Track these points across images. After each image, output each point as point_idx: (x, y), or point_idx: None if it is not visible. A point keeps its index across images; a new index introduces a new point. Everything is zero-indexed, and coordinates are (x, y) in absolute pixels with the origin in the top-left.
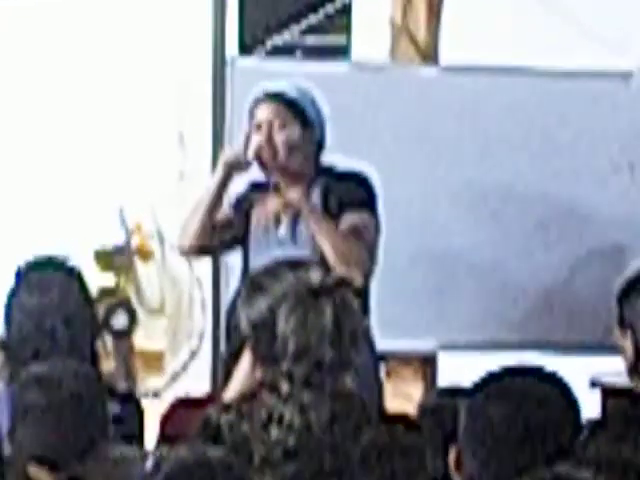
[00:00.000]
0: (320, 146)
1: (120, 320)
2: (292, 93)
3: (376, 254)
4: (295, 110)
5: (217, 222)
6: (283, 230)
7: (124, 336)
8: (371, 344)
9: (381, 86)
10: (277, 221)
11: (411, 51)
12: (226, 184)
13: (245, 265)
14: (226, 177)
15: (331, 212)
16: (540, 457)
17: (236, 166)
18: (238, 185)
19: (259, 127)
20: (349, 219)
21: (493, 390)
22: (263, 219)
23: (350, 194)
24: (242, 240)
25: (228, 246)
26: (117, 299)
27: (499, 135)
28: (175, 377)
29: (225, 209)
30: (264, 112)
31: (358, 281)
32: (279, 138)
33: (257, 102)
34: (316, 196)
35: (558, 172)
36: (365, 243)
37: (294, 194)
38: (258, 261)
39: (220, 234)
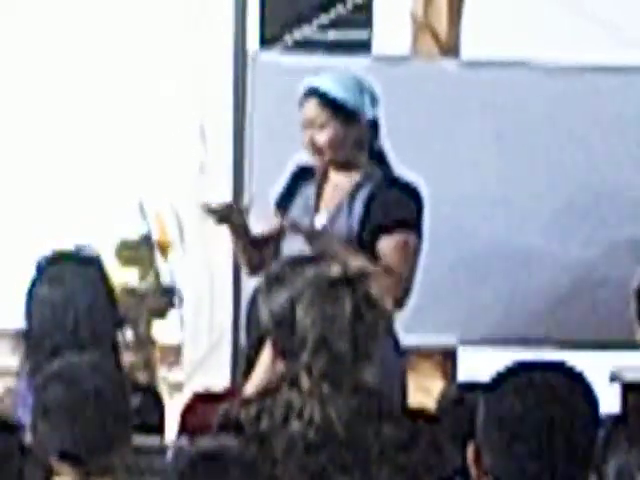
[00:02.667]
0: (375, 132)
1: None
2: (332, 88)
3: (414, 276)
4: (335, 107)
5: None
6: (322, 221)
7: None
8: (395, 339)
9: (402, 80)
10: (315, 210)
11: (432, 45)
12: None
13: (276, 250)
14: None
15: (369, 226)
16: (558, 452)
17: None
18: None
19: (305, 125)
20: (388, 242)
21: (511, 385)
22: (302, 207)
23: (390, 214)
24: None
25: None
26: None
27: (520, 129)
28: (195, 370)
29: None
30: (307, 110)
31: (398, 296)
32: (320, 138)
33: (303, 98)
34: (359, 204)
35: (580, 166)
36: (406, 264)
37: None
38: (294, 248)
39: (275, 243)
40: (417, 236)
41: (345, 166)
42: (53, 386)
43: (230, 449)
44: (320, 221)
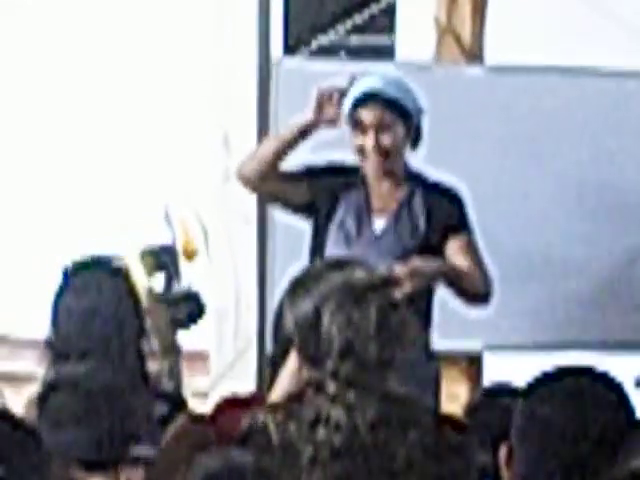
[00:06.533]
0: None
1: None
2: (393, 91)
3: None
4: (398, 110)
5: (283, 171)
6: (381, 225)
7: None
8: (427, 347)
9: (426, 86)
10: (368, 215)
11: (456, 51)
12: (309, 129)
13: (316, 252)
14: (314, 117)
15: (434, 230)
16: (593, 456)
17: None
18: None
19: (364, 130)
20: (457, 244)
21: (547, 389)
22: (354, 211)
23: (451, 217)
24: (304, 210)
25: (282, 203)
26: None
27: (544, 134)
28: (221, 378)
29: (296, 166)
30: (367, 115)
31: (485, 290)
32: (388, 143)
33: (358, 103)
34: (419, 209)
35: (606, 171)
36: (478, 261)
37: (417, 263)
38: (353, 253)
39: (279, 183)
40: (470, 232)
41: (389, 173)
42: (62, 392)
43: (239, 463)
44: (379, 226)
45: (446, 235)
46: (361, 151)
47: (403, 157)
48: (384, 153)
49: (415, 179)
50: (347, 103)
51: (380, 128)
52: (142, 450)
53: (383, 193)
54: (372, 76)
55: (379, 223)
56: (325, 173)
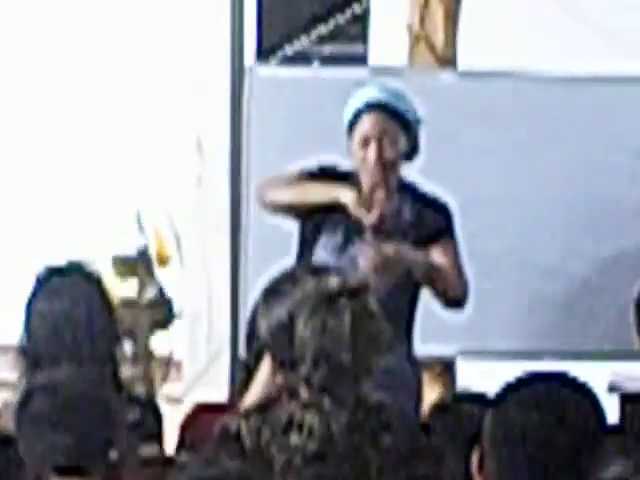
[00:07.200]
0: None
1: None
2: (394, 101)
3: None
4: (400, 120)
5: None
6: (369, 234)
7: None
8: (410, 350)
9: None
10: (358, 224)
11: (429, 57)
12: None
13: (303, 253)
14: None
15: (420, 241)
16: (566, 463)
17: None
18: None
19: (366, 141)
20: (439, 250)
21: (519, 396)
22: (343, 219)
23: (437, 226)
24: (298, 215)
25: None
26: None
27: (517, 140)
28: (194, 383)
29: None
30: (371, 125)
31: (462, 294)
32: (391, 155)
33: (359, 113)
34: (407, 218)
35: (578, 176)
36: (458, 266)
37: (389, 249)
38: (342, 258)
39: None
40: (454, 241)
41: (384, 183)
42: (37, 398)
43: (227, 472)
44: (367, 235)
45: (429, 242)
46: (362, 161)
47: (399, 168)
48: (385, 164)
49: (406, 190)
50: (348, 113)
51: (383, 139)
52: (145, 451)
53: (374, 202)
54: (372, 86)
55: (367, 232)
56: (318, 177)
